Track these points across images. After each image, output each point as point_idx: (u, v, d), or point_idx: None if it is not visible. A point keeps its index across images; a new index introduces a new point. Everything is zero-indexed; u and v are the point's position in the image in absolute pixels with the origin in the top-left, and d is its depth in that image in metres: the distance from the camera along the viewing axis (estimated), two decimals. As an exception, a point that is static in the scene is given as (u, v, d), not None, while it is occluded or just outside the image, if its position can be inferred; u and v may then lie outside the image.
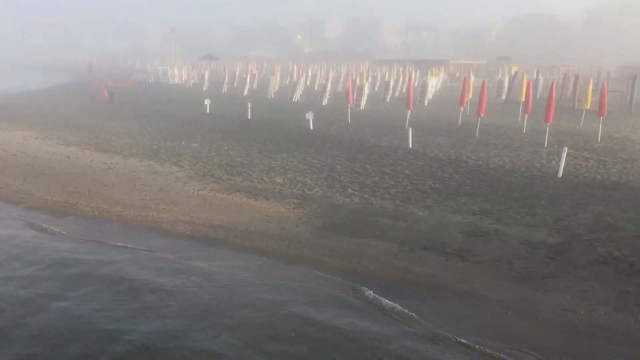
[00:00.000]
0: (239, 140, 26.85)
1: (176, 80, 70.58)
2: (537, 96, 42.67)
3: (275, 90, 52.77)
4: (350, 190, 17.73)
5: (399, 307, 10.34)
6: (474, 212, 15.46)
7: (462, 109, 32.97)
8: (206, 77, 63.16)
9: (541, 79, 54.12)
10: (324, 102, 43.14)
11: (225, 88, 56.81)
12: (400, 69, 65.12)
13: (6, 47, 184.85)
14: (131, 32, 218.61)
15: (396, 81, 53.41)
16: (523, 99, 32.23)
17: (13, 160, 22.33)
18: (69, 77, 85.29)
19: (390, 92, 48.55)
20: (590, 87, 34.98)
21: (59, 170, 20.67)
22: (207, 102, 38.21)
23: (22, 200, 17.40)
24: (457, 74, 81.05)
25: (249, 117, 34.03)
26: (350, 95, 34.79)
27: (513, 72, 56.67)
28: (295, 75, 59.37)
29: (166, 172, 20.50)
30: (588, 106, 32.86)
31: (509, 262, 12.04)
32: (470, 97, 36.52)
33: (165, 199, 17.12)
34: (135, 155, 23.38)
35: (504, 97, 46.77)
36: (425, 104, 43.27)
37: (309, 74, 68.32)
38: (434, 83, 54.72)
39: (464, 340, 9.14)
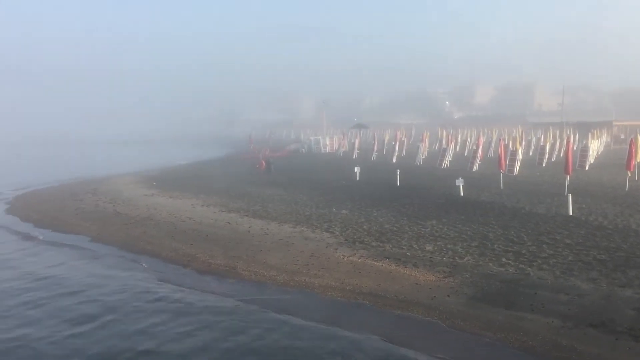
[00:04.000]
0: (388, 207, 27.02)
1: (327, 149, 73.25)
2: None
3: (424, 156, 52.78)
4: (504, 260, 16.93)
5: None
6: (648, 286, 13.97)
7: (630, 173, 30.44)
8: (356, 145, 64.96)
9: None
10: (475, 168, 42.23)
11: (374, 156, 57.94)
12: (557, 132, 62.03)
13: (186, 125, 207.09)
14: (287, 105, 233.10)
15: (552, 145, 50.96)
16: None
17: (182, 226, 24.40)
18: (231, 149, 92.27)
19: (547, 156, 46.38)
20: None
21: (221, 236, 22.18)
22: (356, 169, 39.19)
23: (189, 263, 18.87)
24: (622, 136, 75.26)
25: (398, 184, 34.23)
26: (503, 161, 33.71)
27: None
28: (444, 141, 59.08)
29: (318, 238, 21.12)
30: None
31: (693, 345, 10.64)
32: (639, 160, 33.66)
33: (317, 265, 17.58)
34: (289, 221, 24.43)
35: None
36: (586, 168, 40.64)
37: (459, 139, 67.57)
38: (596, 146, 51.35)
39: None
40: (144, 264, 19.08)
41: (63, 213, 29.13)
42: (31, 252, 21.55)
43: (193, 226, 24.14)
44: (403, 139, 67.06)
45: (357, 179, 38.16)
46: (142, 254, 20.40)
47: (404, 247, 19.11)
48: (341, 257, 18.30)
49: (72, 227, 25.53)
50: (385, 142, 70.51)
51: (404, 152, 59.69)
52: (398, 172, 35.26)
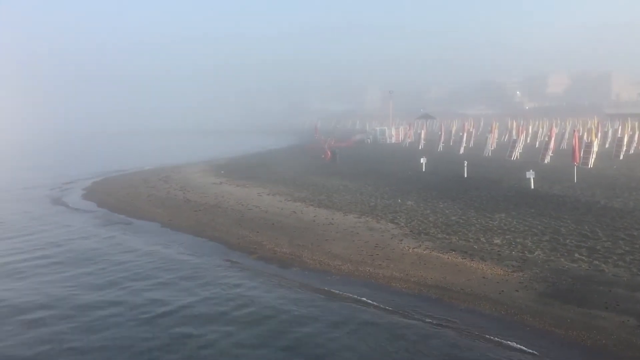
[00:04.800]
0: (455, 198, 26.55)
1: (393, 140, 72.64)
2: None
3: (492, 148, 51.45)
4: (577, 255, 16.31)
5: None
6: None
7: None
8: (422, 136, 64.11)
9: None
10: (546, 160, 40.82)
11: (441, 147, 56.99)
12: (636, 124, 58.89)
13: (255, 116, 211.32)
14: (353, 95, 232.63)
15: (631, 137, 48.50)
16: None
17: (249, 214, 24.89)
18: (297, 139, 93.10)
19: (624, 149, 44.17)
20: None
21: (287, 224, 22.47)
22: (422, 160, 38.70)
23: (255, 250, 19.24)
24: None
25: (465, 176, 33.56)
26: (577, 153, 32.36)
27: None
28: (514, 133, 57.36)
29: (382, 228, 21.04)
30: None
31: None
32: None
33: (381, 255, 17.53)
34: (354, 211, 24.45)
35: None
36: (669, 161, 38.40)
37: (529, 130, 65.40)
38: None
39: None
40: (208, 249, 19.63)
41: (136, 199, 30.33)
42: (108, 235, 22.56)
43: (259, 214, 24.56)
44: (471, 129, 65.60)
45: (423, 170, 37.68)
46: (210, 240, 20.98)
47: (470, 239, 18.75)
48: (406, 248, 18.16)
49: (144, 213, 26.54)
50: (453, 133, 69.16)
51: (471, 144, 58.37)
52: (465, 164, 34.55)
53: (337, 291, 14.90)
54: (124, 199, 30.77)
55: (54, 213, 27.99)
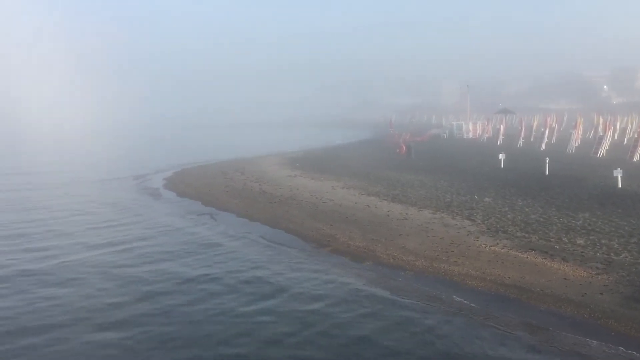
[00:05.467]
0: (535, 196, 25.62)
1: (470, 135, 70.97)
2: None
3: (576, 144, 49.17)
4: (668, 259, 15.37)
5: None
6: None
7: None
8: (501, 131, 62.17)
9: None
10: (635, 157, 38.62)
11: (520, 142, 55.11)
12: None
13: (330, 109, 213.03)
14: (428, 89, 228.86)
15: None
16: None
17: (323, 207, 25.05)
18: (371, 133, 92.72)
19: None
20: None
21: (360, 218, 22.45)
22: (501, 156, 37.56)
23: (328, 243, 19.35)
24: None
25: (547, 173, 32.29)
26: (670, 150, 30.44)
27: None
28: (600, 129, 54.63)
29: (458, 225, 20.62)
30: None
31: None
32: None
33: (456, 252, 17.19)
34: (429, 207, 24.09)
35: None
36: None
37: (617, 126, 62.10)
38: None
39: None
40: (283, 239, 19.93)
41: (214, 190, 31.22)
42: (192, 223, 23.37)
43: (333, 207, 24.67)
44: (553, 125, 63.06)
45: (502, 166, 36.58)
46: (285, 231, 21.29)
47: (551, 239, 18.04)
48: (483, 246, 17.72)
49: (221, 203, 27.28)
50: (534, 128, 66.71)
51: (554, 140, 56.03)
52: (547, 160, 33.23)
53: (411, 287, 14.76)
54: (203, 189, 31.72)
55: (142, 203, 29.26)
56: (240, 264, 17.46)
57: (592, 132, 59.59)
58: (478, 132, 71.16)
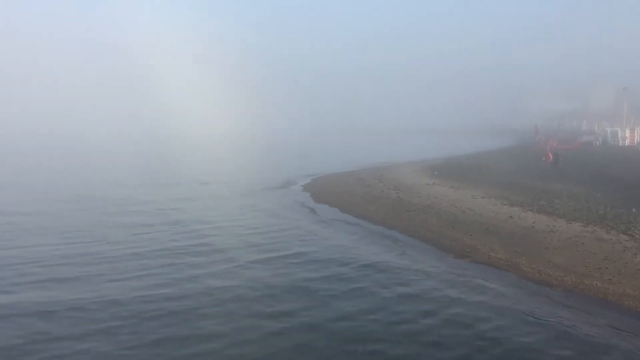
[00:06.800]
0: None
1: (627, 142, 65.54)
2: None
3: None
4: None
5: None
6: None
7: None
8: (664, 138, 56.65)
9: None
10: None
11: (687, 150, 49.76)
12: None
13: (470, 115, 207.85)
14: (578, 94, 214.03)
15: None
16: None
17: (462, 216, 24.34)
18: (513, 140, 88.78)
19: None
20: None
21: (502, 229, 21.50)
22: (664, 165, 34.14)
23: (468, 254, 18.75)
24: None
25: None
26: None
27: None
28: None
29: (613, 240, 18.99)
30: None
31: None
32: None
33: (611, 269, 15.84)
34: (579, 219, 22.46)
35: None
36: None
37: None
38: None
39: None
40: (420, 248, 19.63)
41: (352, 196, 31.60)
42: (330, 229, 23.86)
43: (473, 217, 23.90)
44: None
45: (665, 176, 33.24)
46: (422, 241, 20.96)
47: None
48: (642, 263, 16.17)
49: (359, 210, 27.52)
50: None
51: None
52: None
53: (560, 305, 13.84)
54: (341, 196, 32.21)
55: (289, 209, 30.13)
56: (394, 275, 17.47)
57: None
58: (636, 139, 65.51)
